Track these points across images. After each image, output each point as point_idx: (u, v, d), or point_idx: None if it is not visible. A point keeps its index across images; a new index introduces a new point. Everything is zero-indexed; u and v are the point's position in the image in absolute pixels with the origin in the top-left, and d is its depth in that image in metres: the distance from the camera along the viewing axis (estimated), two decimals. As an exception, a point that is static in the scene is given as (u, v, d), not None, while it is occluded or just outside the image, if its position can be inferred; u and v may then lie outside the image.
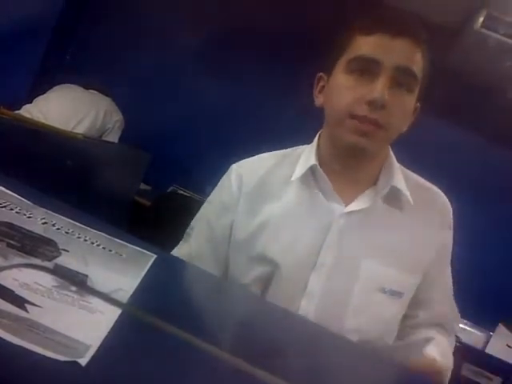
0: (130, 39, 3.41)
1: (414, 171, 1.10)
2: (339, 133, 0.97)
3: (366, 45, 0.93)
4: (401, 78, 0.92)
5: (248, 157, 1.13)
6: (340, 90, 0.95)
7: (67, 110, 2.85)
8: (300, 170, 1.03)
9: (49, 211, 0.77)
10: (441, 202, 1.08)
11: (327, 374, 0.66)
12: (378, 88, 0.89)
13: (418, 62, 0.93)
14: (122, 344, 0.50)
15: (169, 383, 0.48)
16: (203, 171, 2.24)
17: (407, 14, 0.97)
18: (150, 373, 0.47)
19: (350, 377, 0.69)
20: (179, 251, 1.11)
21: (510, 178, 2.89)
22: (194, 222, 1.12)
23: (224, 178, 1.10)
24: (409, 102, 0.95)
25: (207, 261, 1.07)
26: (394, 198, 1.01)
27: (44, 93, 2.97)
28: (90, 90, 3.09)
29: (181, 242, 1.11)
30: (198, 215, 1.13)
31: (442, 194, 1.09)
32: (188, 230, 1.11)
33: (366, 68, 0.92)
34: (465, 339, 2.27)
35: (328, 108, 1.00)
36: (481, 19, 2.57)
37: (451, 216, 1.08)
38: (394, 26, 0.92)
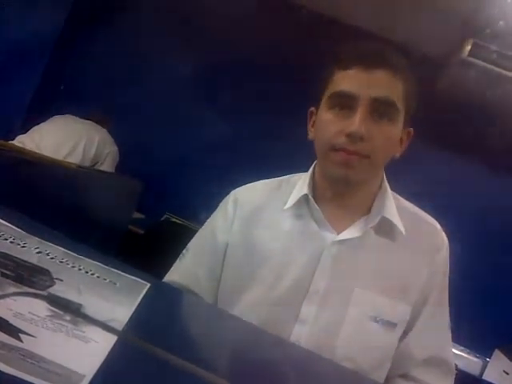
0: (125, 69, 3.45)
1: (405, 198, 1.11)
2: (325, 165, 1.01)
3: (342, 80, 0.96)
4: (380, 109, 0.94)
5: (242, 185, 1.14)
6: (323, 125, 0.99)
7: (59, 139, 2.87)
8: (293, 198, 1.04)
9: (43, 241, 0.77)
10: (434, 231, 1.08)
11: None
12: (356, 121, 0.92)
13: (396, 91, 0.95)
14: (117, 373, 0.50)
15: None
16: (197, 199, 2.25)
17: (383, 45, 0.99)
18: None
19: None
20: (173, 272, 1.11)
21: (502, 203, 2.92)
22: (190, 244, 1.13)
23: (222, 202, 1.13)
24: (391, 131, 0.97)
25: (201, 282, 1.07)
26: (385, 227, 1.02)
27: (39, 123, 2.99)
28: (86, 121, 3.11)
29: (176, 263, 1.12)
30: (195, 237, 1.14)
31: (436, 223, 1.09)
32: (184, 251, 1.12)
33: (345, 103, 0.95)
34: (461, 366, 2.25)
35: (315, 142, 1.03)
36: (468, 48, 2.63)
37: (446, 245, 1.07)
38: (370, 57, 0.94)
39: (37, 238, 0.77)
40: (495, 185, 2.99)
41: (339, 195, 1.03)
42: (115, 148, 3.17)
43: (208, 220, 1.14)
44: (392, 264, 1.01)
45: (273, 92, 3.19)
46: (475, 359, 2.54)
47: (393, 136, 0.98)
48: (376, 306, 0.99)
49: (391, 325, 0.99)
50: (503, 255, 2.87)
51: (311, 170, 1.08)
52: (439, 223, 1.10)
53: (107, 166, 3.10)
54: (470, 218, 2.79)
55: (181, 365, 0.49)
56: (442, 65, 2.83)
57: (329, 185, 1.03)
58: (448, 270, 1.08)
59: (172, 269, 1.12)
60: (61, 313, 0.58)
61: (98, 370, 0.48)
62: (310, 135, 1.06)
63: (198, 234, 1.14)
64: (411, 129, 1.04)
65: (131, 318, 0.65)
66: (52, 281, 0.67)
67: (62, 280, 0.69)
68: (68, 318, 0.57)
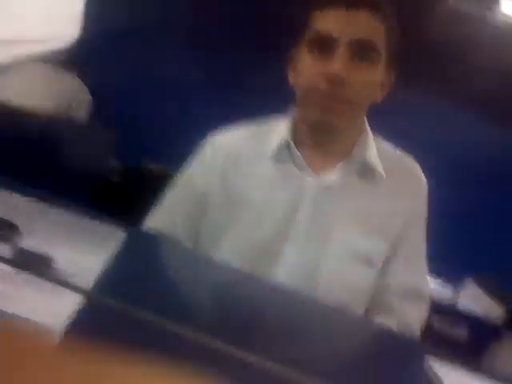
0: (102, 16, 3.31)
1: (387, 140, 1.10)
2: (305, 110, 0.99)
3: (321, 21, 0.92)
4: (360, 51, 0.91)
5: (221, 129, 1.12)
6: (303, 70, 0.96)
7: (29, 88, 2.78)
8: (273, 144, 1.02)
9: (10, 193, 0.74)
10: (414, 174, 1.07)
11: (299, 335, 0.66)
12: (335, 65, 0.89)
13: (377, 32, 0.92)
14: (87, 327, 0.49)
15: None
16: (175, 146, 2.21)
17: None
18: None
19: (323, 337, 0.70)
20: (150, 219, 1.10)
21: (481, 139, 2.94)
22: (167, 191, 1.12)
23: (199, 147, 1.10)
24: (372, 74, 0.94)
25: (180, 227, 1.06)
26: (365, 170, 1.02)
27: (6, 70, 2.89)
28: (58, 69, 3.01)
29: (153, 210, 1.10)
30: (172, 183, 1.12)
31: (416, 165, 1.09)
32: (161, 198, 1.11)
33: (324, 45, 0.91)
34: (434, 294, 2.33)
35: (295, 86, 1.00)
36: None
37: (424, 187, 1.08)
38: None
39: (4, 191, 0.74)
40: (477, 125, 2.99)
41: (320, 140, 1.01)
42: (88, 96, 3.09)
43: (185, 166, 1.12)
44: (372, 206, 1.01)
45: (254, 35, 3.09)
46: (447, 289, 2.63)
47: (374, 80, 0.96)
48: (356, 245, 1.00)
49: (369, 262, 1.01)
50: (478, 190, 2.92)
51: (291, 113, 1.06)
52: (419, 163, 1.09)
53: (80, 114, 3.03)
54: (448, 156, 2.81)
55: (154, 319, 0.48)
56: (424, 4, 2.76)
57: (309, 130, 1.01)
58: (426, 208, 1.09)
59: (149, 216, 1.11)
60: (28, 266, 0.56)
61: (69, 324, 0.47)
62: (291, 79, 1.03)
63: (175, 180, 1.13)
64: (393, 72, 1.01)
65: (105, 267, 0.64)
66: (20, 234, 0.65)
67: (31, 233, 0.67)
68: (36, 271, 0.56)
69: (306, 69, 0.95)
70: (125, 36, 3.27)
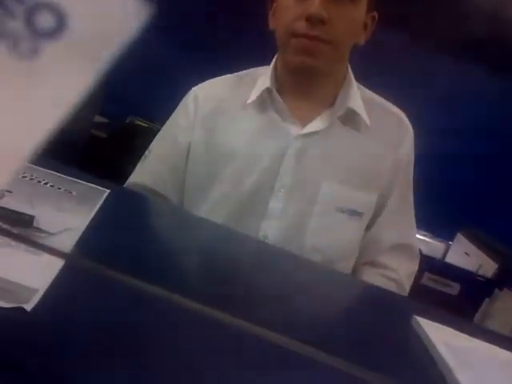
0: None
1: (373, 89, 1.08)
2: (286, 54, 0.97)
3: None
4: None
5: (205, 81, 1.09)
6: (282, 10, 0.95)
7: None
8: (255, 92, 1.00)
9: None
10: (400, 121, 1.06)
11: (289, 296, 0.66)
12: (315, 3, 0.88)
13: None
14: (70, 287, 0.48)
15: (118, 327, 0.46)
16: (161, 100, 2.17)
17: None
18: (99, 315, 0.45)
19: (313, 297, 0.70)
20: (136, 173, 1.08)
21: (467, 89, 2.88)
22: (151, 145, 1.10)
23: (182, 100, 1.08)
24: (354, 13, 0.93)
25: (164, 182, 1.05)
26: (350, 118, 1.00)
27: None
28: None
29: (138, 164, 1.09)
30: (156, 138, 1.11)
31: (401, 113, 1.08)
32: (146, 153, 1.09)
33: None
34: (425, 250, 2.34)
35: (276, 31, 0.98)
36: None
37: (411, 134, 1.07)
38: None
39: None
40: (461, 70, 2.93)
41: (302, 86, 1.00)
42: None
43: (169, 119, 1.10)
44: (357, 155, 1.00)
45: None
46: (438, 243, 2.65)
47: (356, 19, 0.94)
48: (342, 196, 0.99)
49: (357, 214, 1.00)
50: (467, 141, 2.89)
51: (273, 62, 1.03)
52: (404, 111, 1.08)
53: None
54: (435, 104, 2.77)
55: (137, 280, 0.47)
56: None
57: (291, 75, 1.00)
58: (413, 157, 1.08)
59: (135, 171, 1.09)
60: (9, 226, 0.54)
61: (51, 284, 0.46)
62: (271, 24, 1.01)
63: (159, 134, 1.11)
64: (375, 13, 0.98)
65: (88, 227, 0.63)
66: (0, 193, 0.63)
67: (11, 191, 0.65)
68: (17, 231, 0.54)
69: (285, 10, 0.93)
70: None
